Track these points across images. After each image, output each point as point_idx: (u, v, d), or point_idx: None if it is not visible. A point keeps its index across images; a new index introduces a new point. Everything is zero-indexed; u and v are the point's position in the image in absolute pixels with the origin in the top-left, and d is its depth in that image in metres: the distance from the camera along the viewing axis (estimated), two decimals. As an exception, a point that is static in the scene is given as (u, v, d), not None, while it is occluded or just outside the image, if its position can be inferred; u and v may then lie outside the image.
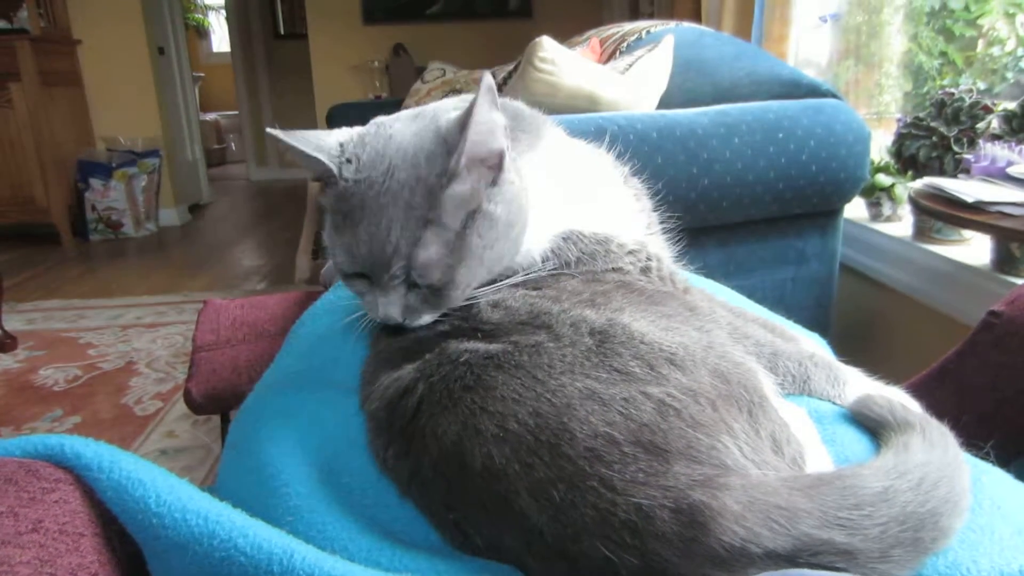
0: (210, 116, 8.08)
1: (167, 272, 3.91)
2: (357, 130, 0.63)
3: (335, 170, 0.59)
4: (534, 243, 0.64)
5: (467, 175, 0.58)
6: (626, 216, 0.72)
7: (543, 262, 0.65)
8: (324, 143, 0.60)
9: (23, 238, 4.40)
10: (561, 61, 1.55)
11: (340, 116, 3.27)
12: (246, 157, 7.47)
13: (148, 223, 4.80)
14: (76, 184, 4.55)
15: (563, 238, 0.65)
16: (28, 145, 4.20)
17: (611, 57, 2.06)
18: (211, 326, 1.26)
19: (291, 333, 0.82)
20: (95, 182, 4.53)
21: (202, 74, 8.06)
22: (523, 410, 0.50)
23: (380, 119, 0.64)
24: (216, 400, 1.13)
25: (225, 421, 1.36)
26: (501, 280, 0.63)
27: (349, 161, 0.59)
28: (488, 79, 0.56)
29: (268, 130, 0.59)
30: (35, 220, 4.36)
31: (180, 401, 2.26)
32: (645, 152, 1.44)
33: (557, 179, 0.68)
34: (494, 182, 0.60)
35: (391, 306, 0.58)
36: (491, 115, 0.58)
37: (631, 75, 1.70)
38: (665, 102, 1.76)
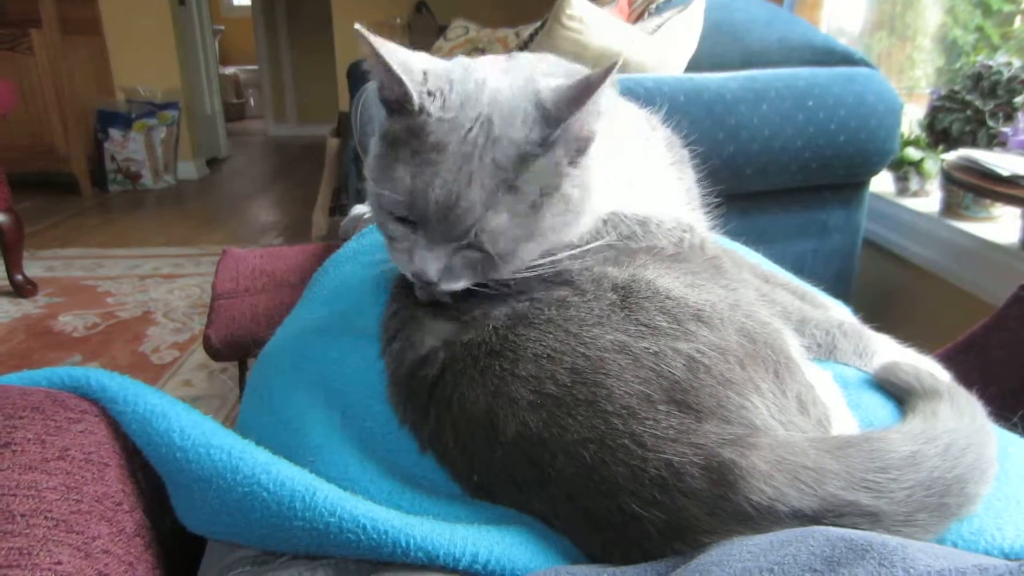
0: (229, 70, 8.01)
1: (185, 224, 3.93)
2: (440, 62, 0.57)
3: (416, 100, 0.52)
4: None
5: (558, 150, 0.53)
6: (667, 195, 0.69)
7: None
8: (410, 63, 0.54)
9: (43, 186, 4.42)
10: (589, 19, 1.51)
11: (361, 73, 3.22)
12: (264, 113, 7.43)
13: (166, 175, 4.81)
14: (96, 134, 4.55)
15: (604, 220, 0.61)
16: (48, 93, 4.19)
17: (639, 18, 2.01)
18: (231, 274, 1.26)
19: (313, 280, 0.82)
20: (115, 132, 4.53)
21: (222, 27, 7.97)
22: (560, 368, 0.49)
23: (464, 60, 0.59)
24: (235, 347, 1.14)
25: (243, 368, 1.38)
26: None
27: (431, 95, 0.53)
28: (617, 64, 0.52)
29: (357, 26, 0.53)
30: (55, 169, 4.38)
31: (197, 351, 2.29)
32: (671, 115, 1.40)
33: (608, 156, 0.62)
34: (573, 163, 0.55)
35: (430, 263, 0.52)
36: (602, 100, 0.53)
37: (659, 37, 1.66)
38: (693, 65, 1.72)
